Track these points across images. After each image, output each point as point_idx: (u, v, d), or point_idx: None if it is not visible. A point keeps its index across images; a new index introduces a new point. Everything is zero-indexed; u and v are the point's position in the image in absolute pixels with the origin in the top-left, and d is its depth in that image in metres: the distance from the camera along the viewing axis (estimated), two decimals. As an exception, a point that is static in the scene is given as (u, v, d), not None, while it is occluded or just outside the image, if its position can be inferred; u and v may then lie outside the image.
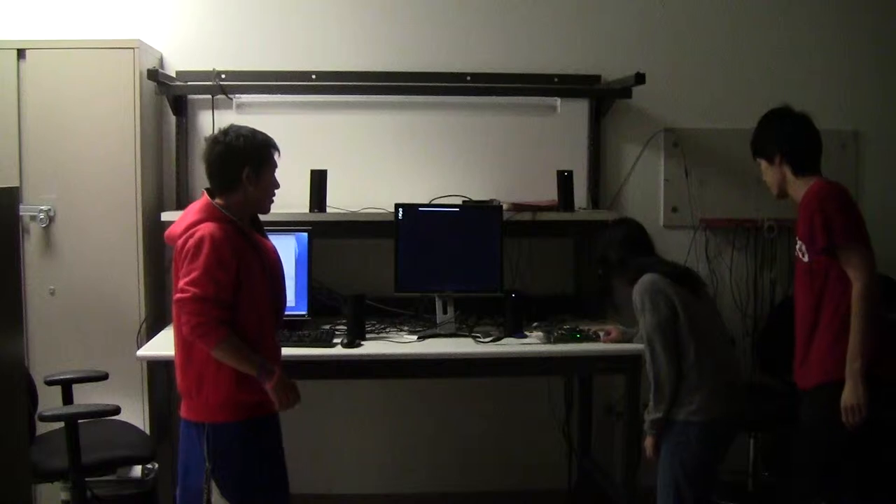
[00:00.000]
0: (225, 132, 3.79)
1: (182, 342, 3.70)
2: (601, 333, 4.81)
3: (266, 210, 3.92)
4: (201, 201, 3.76)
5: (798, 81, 5.81)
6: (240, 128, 3.80)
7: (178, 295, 3.58)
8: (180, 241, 3.66)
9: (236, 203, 3.75)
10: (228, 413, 3.66)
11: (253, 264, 3.71)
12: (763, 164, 4.23)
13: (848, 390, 3.80)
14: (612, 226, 4.69)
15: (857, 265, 3.84)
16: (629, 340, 4.73)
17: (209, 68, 5.36)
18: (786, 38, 5.83)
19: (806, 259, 4.00)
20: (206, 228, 3.62)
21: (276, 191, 3.89)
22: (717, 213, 5.65)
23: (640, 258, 4.33)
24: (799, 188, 4.09)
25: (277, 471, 3.88)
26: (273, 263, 3.92)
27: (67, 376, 4.63)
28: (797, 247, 4.09)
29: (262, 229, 4.00)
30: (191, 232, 3.64)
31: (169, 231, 3.77)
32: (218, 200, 3.75)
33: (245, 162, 3.72)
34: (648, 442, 4.18)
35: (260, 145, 3.78)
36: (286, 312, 4.64)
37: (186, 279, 3.56)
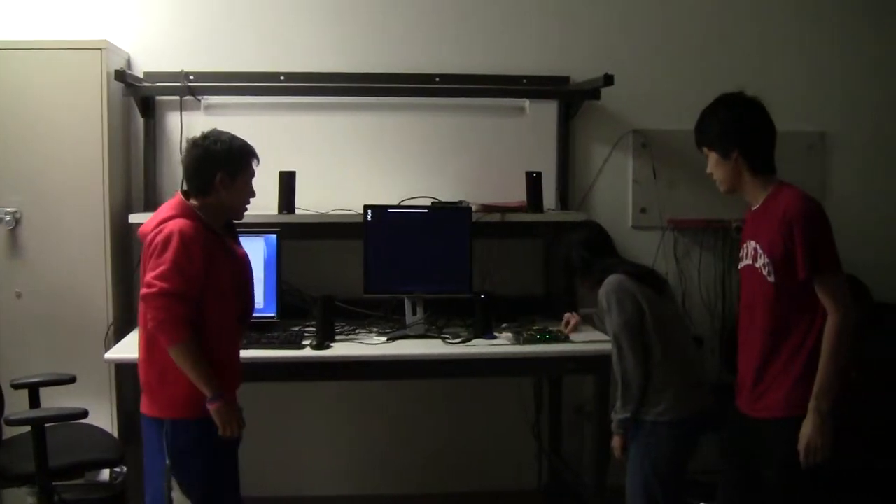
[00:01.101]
0: (205, 136, 3.80)
1: (147, 336, 3.69)
2: (567, 331, 4.84)
3: (240, 216, 3.93)
4: (175, 199, 3.77)
5: (765, 83, 5.81)
6: (221, 133, 3.82)
7: (145, 290, 3.56)
8: (150, 236, 3.65)
9: (210, 207, 3.76)
10: (189, 410, 3.65)
11: (221, 266, 3.71)
12: (714, 156, 3.76)
13: (813, 429, 3.48)
14: (572, 229, 4.70)
15: (836, 296, 3.50)
16: (590, 319, 4.80)
17: (177, 69, 5.34)
18: (753, 41, 5.86)
19: (771, 280, 3.58)
20: (177, 224, 3.62)
21: (251, 198, 3.91)
22: (685, 213, 5.68)
23: (603, 260, 4.35)
24: (756, 188, 3.71)
25: (233, 472, 3.90)
26: (243, 270, 3.92)
27: (34, 380, 4.61)
28: (759, 262, 3.65)
29: (236, 236, 4.01)
30: (161, 227, 3.63)
31: (142, 228, 3.76)
32: (193, 202, 3.76)
33: (220, 166, 3.73)
34: (616, 442, 4.19)
35: (237, 151, 3.79)
36: (254, 315, 4.66)
37: (154, 273, 3.55)
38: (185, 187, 3.87)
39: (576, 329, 4.84)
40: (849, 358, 3.54)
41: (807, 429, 3.50)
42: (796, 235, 3.49)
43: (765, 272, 3.61)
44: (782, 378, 3.60)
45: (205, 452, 3.69)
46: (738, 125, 3.70)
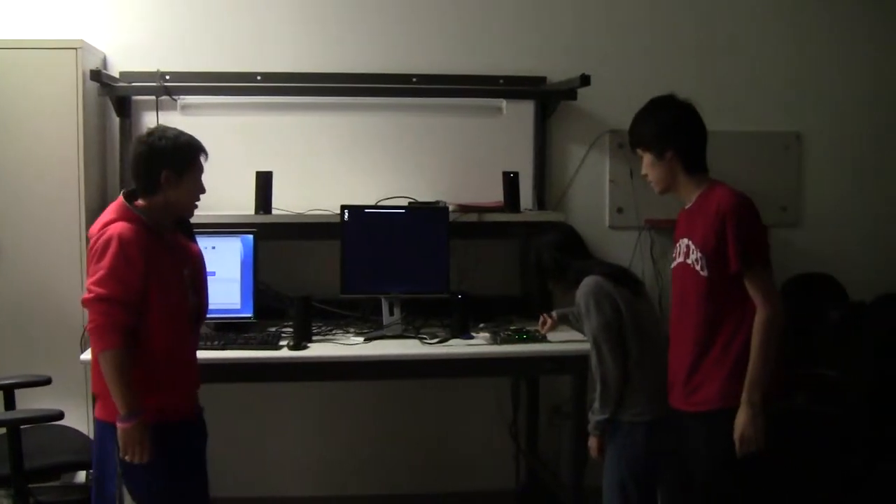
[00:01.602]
0: (150, 132, 3.70)
1: None
2: (543, 331, 4.85)
3: (189, 214, 3.82)
4: (116, 201, 3.67)
5: (741, 83, 5.88)
6: (166, 129, 3.72)
7: (84, 296, 3.50)
8: (91, 241, 3.58)
9: (157, 205, 3.65)
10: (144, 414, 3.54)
11: (166, 268, 3.62)
12: (648, 157, 3.85)
13: (746, 420, 3.55)
14: (543, 232, 4.71)
15: (766, 290, 3.58)
16: (566, 319, 4.80)
17: (153, 69, 5.32)
18: (728, 42, 5.89)
19: (704, 274, 3.65)
20: (116, 228, 3.53)
21: (201, 195, 3.79)
22: (661, 214, 5.68)
23: (577, 262, 4.36)
24: (689, 187, 3.80)
25: (186, 482, 3.76)
26: (194, 268, 3.83)
27: (9, 381, 4.57)
28: (691, 258, 3.72)
29: (191, 232, 3.95)
30: (101, 231, 3.56)
31: (90, 230, 3.69)
32: (140, 202, 3.67)
33: (165, 164, 3.61)
34: (593, 443, 4.19)
35: (183, 148, 3.68)
36: (230, 315, 4.65)
37: (92, 279, 3.48)
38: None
39: (553, 329, 4.85)
40: (778, 357, 3.61)
41: (740, 419, 3.57)
42: (728, 229, 3.58)
43: (697, 267, 3.68)
44: (716, 371, 3.66)
45: (154, 459, 3.54)
46: (672, 126, 3.80)
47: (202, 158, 3.76)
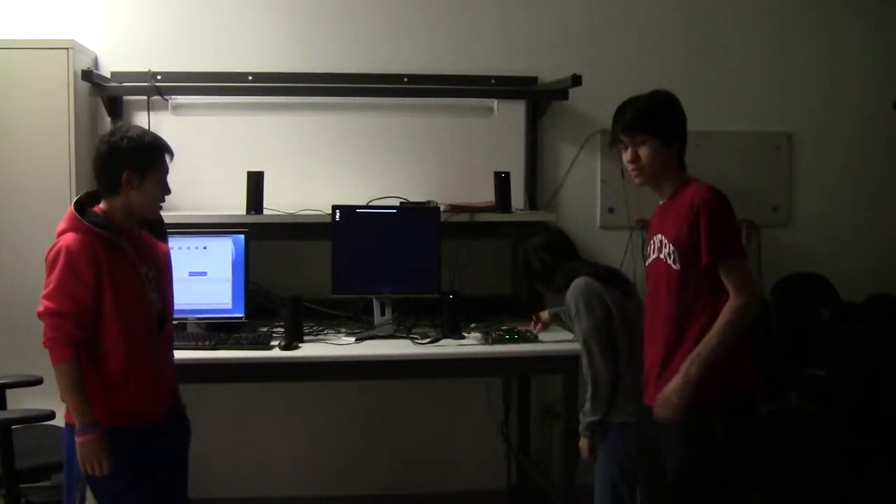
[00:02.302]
0: (113, 132, 3.60)
1: None
2: (535, 330, 4.86)
3: (152, 216, 3.72)
4: (68, 210, 3.55)
5: (732, 84, 5.90)
6: (130, 128, 3.60)
7: (38, 308, 3.45)
8: (46, 251, 3.51)
9: (118, 207, 3.56)
10: (100, 419, 3.48)
11: (122, 275, 3.52)
12: (654, 143, 3.72)
13: (675, 387, 3.54)
14: (531, 234, 4.72)
15: (740, 280, 3.53)
16: (558, 318, 4.82)
17: (145, 69, 5.31)
18: (720, 41, 5.90)
19: (677, 268, 3.61)
20: (66, 240, 3.45)
21: (165, 196, 3.67)
22: (648, 213, 5.68)
23: (566, 263, 4.37)
24: (672, 183, 3.75)
25: (156, 486, 3.68)
26: (157, 268, 3.74)
27: (0, 381, 4.57)
28: (664, 251, 3.68)
29: (161, 232, 3.87)
30: (54, 243, 3.49)
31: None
32: (101, 204, 3.59)
33: (126, 164, 3.50)
34: (584, 444, 4.20)
35: (146, 148, 3.55)
36: (222, 315, 4.64)
37: (44, 292, 3.43)
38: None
39: (545, 329, 4.86)
40: (746, 354, 3.62)
41: (670, 385, 3.57)
42: (701, 222, 3.54)
43: (670, 261, 3.64)
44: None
45: (115, 465, 3.49)
46: (681, 120, 3.78)
47: (167, 159, 3.64)
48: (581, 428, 4.20)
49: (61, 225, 3.52)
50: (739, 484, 3.78)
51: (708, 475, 3.59)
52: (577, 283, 4.20)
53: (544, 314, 4.87)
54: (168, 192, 3.66)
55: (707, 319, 3.57)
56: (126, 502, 3.57)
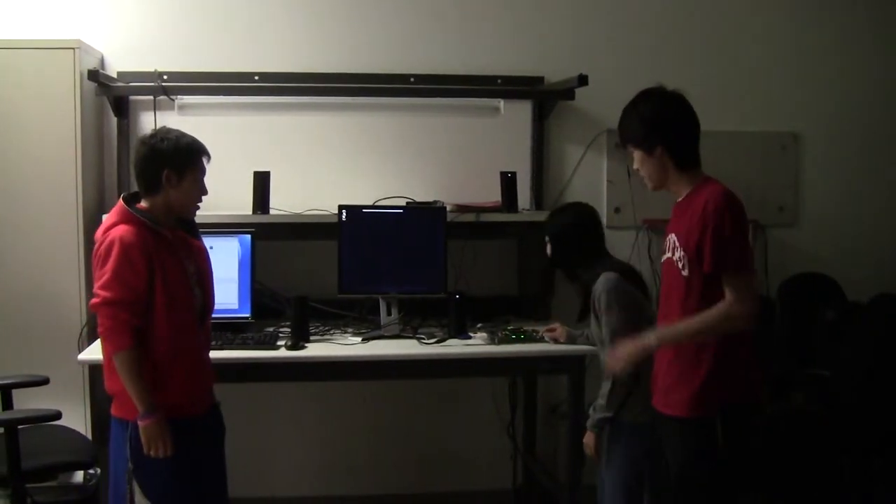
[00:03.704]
0: (153, 134, 3.76)
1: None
2: (545, 333, 4.82)
3: (190, 215, 3.87)
4: (118, 205, 3.72)
5: (739, 83, 5.89)
6: (169, 130, 3.77)
7: (92, 300, 3.56)
8: (96, 246, 3.64)
9: (158, 206, 3.71)
10: None
11: (169, 267, 3.66)
12: (638, 154, 3.70)
13: (630, 346, 3.61)
14: (564, 210, 4.67)
15: (739, 292, 3.43)
16: (573, 341, 4.72)
17: (151, 69, 5.32)
18: (726, 42, 5.90)
19: (685, 274, 3.55)
20: (118, 231, 3.58)
21: (203, 196, 3.83)
22: (659, 213, 5.65)
23: (596, 249, 4.34)
24: (681, 183, 3.65)
25: (197, 478, 3.77)
26: (199, 265, 3.87)
27: (7, 381, 4.56)
28: (676, 255, 3.62)
29: (194, 230, 3.96)
30: (104, 235, 3.62)
31: (95, 234, 3.73)
32: (142, 203, 3.73)
33: (166, 164, 3.67)
34: (590, 439, 4.18)
35: (184, 149, 3.73)
36: (228, 315, 4.64)
37: (98, 283, 3.55)
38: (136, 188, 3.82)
39: (554, 339, 4.77)
40: (750, 362, 3.59)
41: (627, 345, 3.64)
42: (708, 230, 3.44)
43: (679, 265, 3.59)
44: (689, 376, 3.55)
45: (163, 456, 3.61)
46: (660, 121, 3.64)
47: (204, 160, 3.80)
48: (590, 423, 4.17)
49: (111, 219, 3.67)
50: (742, 487, 3.75)
51: (708, 481, 3.56)
52: (609, 277, 4.12)
53: (561, 330, 4.77)
54: (205, 192, 3.83)
55: None
56: (172, 493, 3.67)
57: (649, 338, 3.58)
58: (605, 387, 4.11)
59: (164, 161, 3.67)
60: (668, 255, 3.71)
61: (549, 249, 4.49)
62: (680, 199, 3.70)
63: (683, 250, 3.56)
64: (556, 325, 4.81)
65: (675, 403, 3.60)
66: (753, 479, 3.85)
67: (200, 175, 3.79)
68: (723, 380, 3.52)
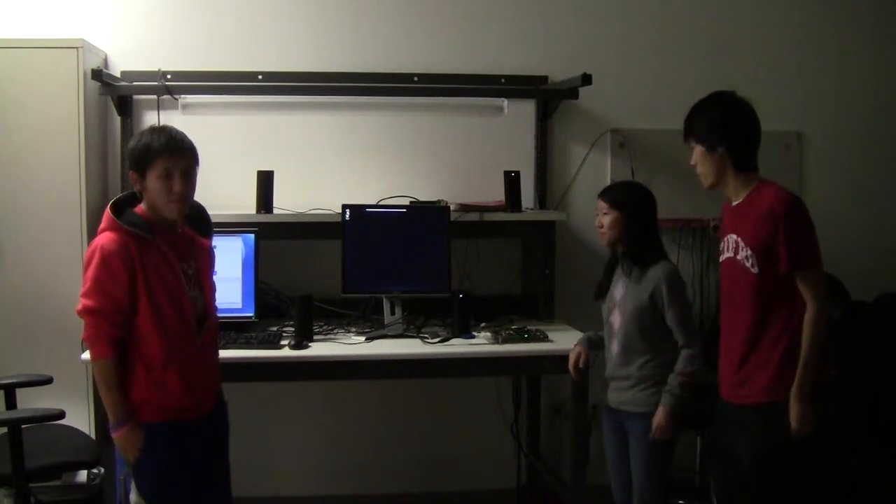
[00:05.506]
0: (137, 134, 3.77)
1: None
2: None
3: (169, 214, 3.66)
4: (106, 210, 3.63)
5: (742, 82, 5.80)
6: (143, 132, 3.70)
7: (77, 306, 3.54)
8: (86, 251, 3.64)
9: (148, 206, 3.66)
10: (147, 412, 3.59)
11: (163, 273, 3.59)
12: (699, 149, 3.87)
13: (798, 414, 3.65)
14: (627, 183, 4.76)
15: (815, 289, 3.65)
16: (590, 342, 4.51)
17: (154, 68, 5.31)
18: (730, 42, 5.89)
19: (755, 272, 3.70)
20: (101, 239, 3.55)
21: (176, 190, 3.60)
22: (663, 212, 5.60)
23: (658, 233, 4.37)
24: (738, 185, 3.83)
25: (192, 483, 3.72)
26: (201, 266, 3.82)
27: (11, 380, 4.57)
28: (740, 255, 3.76)
29: (205, 228, 3.92)
30: (91, 242, 3.61)
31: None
32: (141, 205, 3.68)
33: (130, 166, 3.67)
34: (665, 413, 4.09)
35: (140, 149, 3.61)
36: (232, 314, 4.63)
37: (81, 290, 3.53)
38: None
39: (577, 365, 4.47)
40: (825, 355, 3.72)
41: (796, 410, 3.66)
42: (781, 231, 3.63)
43: (748, 264, 3.73)
44: (764, 366, 3.73)
45: (158, 457, 3.60)
46: (726, 123, 3.82)
47: (162, 159, 3.59)
48: (672, 399, 4.08)
49: (101, 225, 3.62)
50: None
51: (784, 467, 3.72)
52: (674, 268, 4.25)
53: (582, 350, 4.47)
54: (171, 189, 3.60)
55: (783, 323, 3.71)
56: (169, 495, 3.65)
57: (802, 394, 3.66)
58: (691, 366, 4.12)
59: (129, 163, 3.68)
60: (729, 254, 3.86)
61: (616, 220, 4.31)
62: (736, 202, 3.86)
63: (752, 249, 3.71)
64: (578, 348, 4.50)
65: (750, 393, 3.79)
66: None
67: (163, 175, 3.59)
68: (787, 369, 3.68)
